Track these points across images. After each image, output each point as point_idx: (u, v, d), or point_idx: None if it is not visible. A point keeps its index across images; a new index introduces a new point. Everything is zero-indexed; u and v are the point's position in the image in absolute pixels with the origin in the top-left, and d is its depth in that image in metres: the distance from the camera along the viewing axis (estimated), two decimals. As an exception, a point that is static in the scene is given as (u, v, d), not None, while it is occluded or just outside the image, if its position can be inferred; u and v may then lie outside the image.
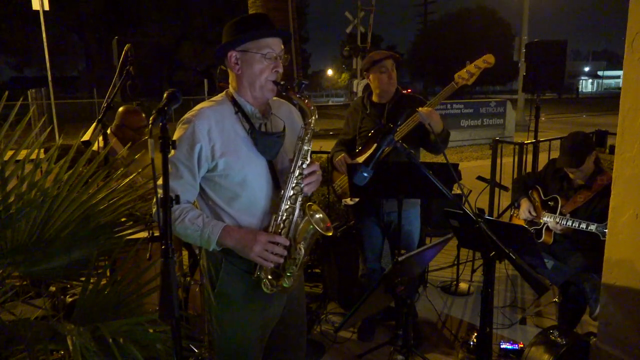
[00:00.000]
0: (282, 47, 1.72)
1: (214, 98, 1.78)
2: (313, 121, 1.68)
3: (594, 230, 2.82)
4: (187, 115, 1.68)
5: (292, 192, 1.68)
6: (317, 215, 1.68)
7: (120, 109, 3.22)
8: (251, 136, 1.68)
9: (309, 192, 1.72)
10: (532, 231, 3.15)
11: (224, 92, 1.78)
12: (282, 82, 1.71)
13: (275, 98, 1.84)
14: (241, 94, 1.73)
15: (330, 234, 1.70)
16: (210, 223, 1.63)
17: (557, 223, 2.99)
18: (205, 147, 1.62)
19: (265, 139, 1.69)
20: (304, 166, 1.68)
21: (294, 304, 1.92)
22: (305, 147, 1.68)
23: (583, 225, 2.87)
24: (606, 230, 2.73)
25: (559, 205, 3.05)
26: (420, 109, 2.65)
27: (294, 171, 1.67)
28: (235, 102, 1.72)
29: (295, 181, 1.67)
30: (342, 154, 3.00)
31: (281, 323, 1.89)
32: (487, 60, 2.66)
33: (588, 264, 2.91)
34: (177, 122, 1.69)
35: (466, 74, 2.67)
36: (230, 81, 1.77)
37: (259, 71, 1.67)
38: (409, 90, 3.36)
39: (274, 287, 1.70)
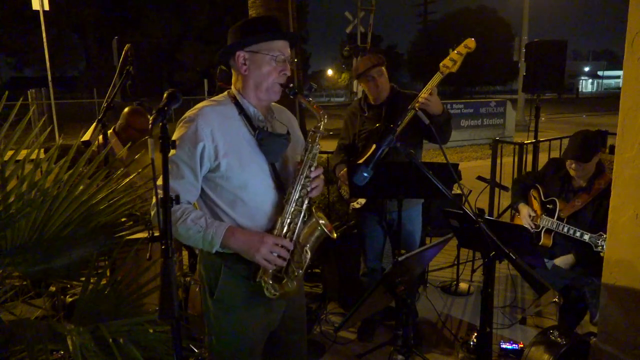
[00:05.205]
0: (289, 51, 1.72)
1: (214, 98, 1.76)
2: (322, 125, 1.69)
3: (587, 240, 2.82)
4: (188, 114, 1.65)
5: (298, 195, 1.67)
6: (321, 221, 1.69)
7: (126, 109, 3.21)
8: (257, 137, 1.66)
9: (314, 195, 1.71)
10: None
11: (225, 93, 1.76)
12: (290, 85, 1.70)
13: (274, 104, 1.83)
14: (245, 95, 1.71)
15: (335, 236, 1.70)
16: (213, 224, 1.60)
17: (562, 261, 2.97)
18: (208, 146, 1.59)
19: (271, 140, 1.68)
20: (312, 169, 1.68)
21: (295, 309, 1.91)
22: (314, 151, 1.68)
23: (577, 234, 2.87)
24: (599, 241, 2.76)
25: (557, 209, 3.05)
26: (420, 98, 2.65)
27: (302, 173, 1.67)
28: (237, 104, 1.70)
29: (302, 184, 1.67)
30: (345, 169, 3.00)
31: (282, 328, 1.88)
32: (468, 44, 2.67)
33: (587, 268, 2.91)
34: (178, 122, 1.68)
35: (449, 61, 2.68)
36: (233, 82, 1.75)
37: (267, 73, 1.66)
38: None
39: (277, 291, 1.68)
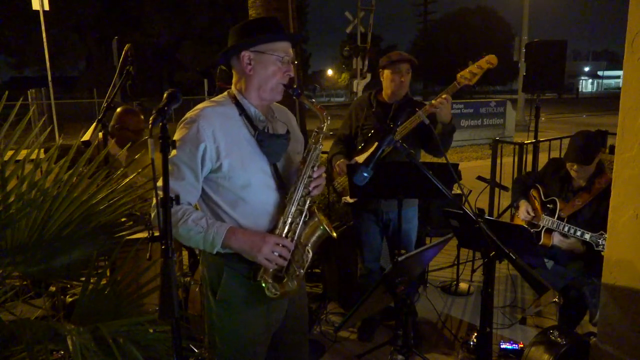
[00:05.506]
0: (291, 52, 1.73)
1: (214, 98, 1.75)
2: (325, 126, 1.70)
3: (588, 240, 2.83)
4: (189, 115, 1.64)
5: (300, 195, 1.67)
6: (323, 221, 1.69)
7: (119, 109, 3.19)
8: (257, 138, 1.66)
9: (315, 194, 1.72)
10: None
11: (225, 93, 1.76)
12: (294, 86, 1.71)
13: (274, 103, 1.83)
14: (247, 95, 1.70)
15: (335, 235, 1.71)
16: (214, 224, 1.60)
17: (562, 239, 3.00)
18: (210, 147, 1.59)
19: (272, 141, 1.68)
20: (314, 169, 1.69)
21: (296, 309, 1.91)
22: (317, 151, 1.69)
23: (578, 233, 2.87)
24: (600, 240, 2.76)
25: (558, 209, 3.05)
26: (434, 101, 2.65)
27: (305, 174, 1.67)
28: (238, 104, 1.70)
29: (305, 183, 1.67)
30: (341, 159, 3.00)
31: (284, 328, 1.88)
32: (490, 61, 2.65)
33: (588, 268, 2.91)
34: (178, 123, 1.67)
35: (469, 74, 2.66)
36: (234, 82, 1.75)
37: (273, 73, 1.66)
38: None
39: (277, 290, 1.68)
